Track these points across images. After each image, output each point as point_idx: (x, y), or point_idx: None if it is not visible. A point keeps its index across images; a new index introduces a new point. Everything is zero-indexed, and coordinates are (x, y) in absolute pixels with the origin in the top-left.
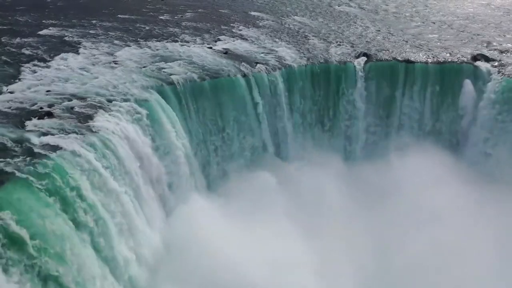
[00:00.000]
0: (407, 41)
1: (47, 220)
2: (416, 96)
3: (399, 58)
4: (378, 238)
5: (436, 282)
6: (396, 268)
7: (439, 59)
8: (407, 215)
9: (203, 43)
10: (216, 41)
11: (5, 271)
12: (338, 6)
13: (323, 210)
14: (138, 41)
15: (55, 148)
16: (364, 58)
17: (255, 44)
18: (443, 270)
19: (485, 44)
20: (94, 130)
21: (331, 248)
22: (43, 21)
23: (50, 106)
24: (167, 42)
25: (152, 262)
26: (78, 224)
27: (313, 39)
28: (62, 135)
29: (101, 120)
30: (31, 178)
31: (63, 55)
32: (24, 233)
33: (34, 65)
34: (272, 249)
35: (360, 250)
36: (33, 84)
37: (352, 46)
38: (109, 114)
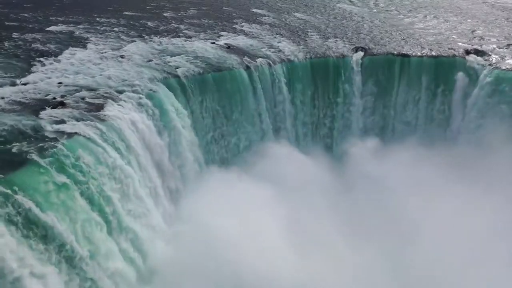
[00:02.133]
0: (403, 36)
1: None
2: (411, 88)
3: (395, 52)
4: None
5: None
6: None
7: (433, 53)
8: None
9: (206, 39)
10: (218, 37)
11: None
12: (337, 3)
13: None
14: (144, 36)
15: (69, 134)
16: (361, 53)
17: (256, 39)
18: None
19: (477, 39)
20: (104, 118)
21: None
22: (51, 17)
23: (62, 96)
24: (171, 37)
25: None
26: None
27: (312, 35)
28: (76, 122)
29: (111, 110)
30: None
31: (72, 49)
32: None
33: (45, 59)
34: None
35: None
36: (44, 77)
37: (350, 41)
38: (118, 104)
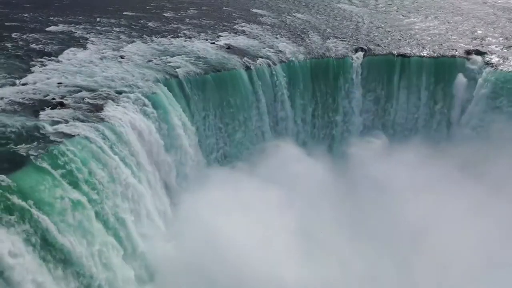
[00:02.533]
0: (403, 36)
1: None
2: (411, 88)
3: (395, 53)
4: None
5: None
6: None
7: (434, 54)
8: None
9: (206, 39)
10: (218, 37)
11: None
12: (337, 3)
13: None
14: (144, 37)
15: (68, 135)
16: (362, 53)
17: (256, 39)
18: None
19: (478, 39)
20: (104, 119)
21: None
22: (51, 18)
23: (61, 97)
24: (171, 38)
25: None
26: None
27: (313, 35)
28: (75, 123)
29: (110, 110)
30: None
31: (71, 50)
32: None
33: (44, 59)
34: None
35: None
36: (44, 77)
37: (350, 41)
38: (118, 105)
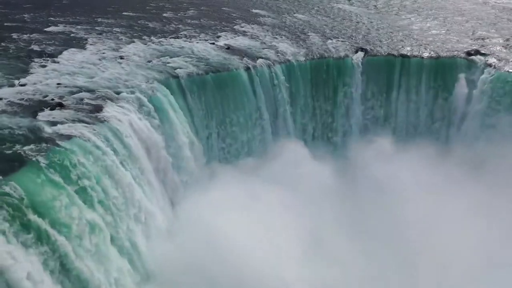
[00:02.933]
0: (403, 37)
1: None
2: (412, 89)
3: (395, 53)
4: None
5: None
6: None
7: (434, 54)
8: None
9: (206, 39)
10: (218, 37)
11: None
12: (337, 3)
13: None
14: (143, 37)
15: (68, 136)
16: (362, 53)
17: (256, 40)
18: None
19: (479, 40)
20: (103, 120)
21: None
22: (50, 18)
23: (61, 98)
24: (171, 38)
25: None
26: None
27: (312, 35)
28: (74, 124)
29: (110, 111)
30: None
31: (70, 50)
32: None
33: (43, 60)
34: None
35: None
36: (43, 78)
37: (350, 42)
38: (118, 106)
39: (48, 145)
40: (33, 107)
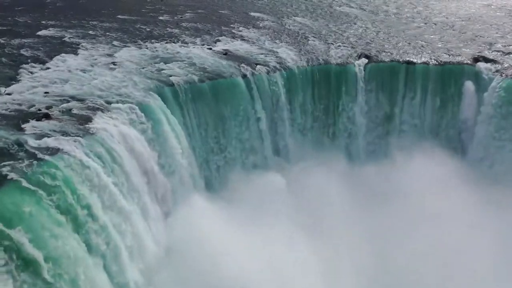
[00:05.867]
0: (408, 43)
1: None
2: (417, 97)
3: (400, 60)
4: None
5: (437, 284)
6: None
7: (440, 61)
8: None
9: (203, 44)
10: (215, 42)
11: None
12: (339, 7)
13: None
14: (138, 42)
15: (53, 150)
16: (365, 60)
17: (255, 45)
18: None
19: (486, 46)
20: (92, 132)
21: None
22: (42, 21)
23: (48, 108)
24: (166, 43)
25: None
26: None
27: (313, 40)
28: (60, 137)
29: (99, 122)
30: (26, 181)
31: (62, 56)
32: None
33: (33, 66)
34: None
35: (362, 250)
36: (31, 86)
37: (352, 48)
38: (108, 116)
39: (31, 160)
40: (18, 118)
